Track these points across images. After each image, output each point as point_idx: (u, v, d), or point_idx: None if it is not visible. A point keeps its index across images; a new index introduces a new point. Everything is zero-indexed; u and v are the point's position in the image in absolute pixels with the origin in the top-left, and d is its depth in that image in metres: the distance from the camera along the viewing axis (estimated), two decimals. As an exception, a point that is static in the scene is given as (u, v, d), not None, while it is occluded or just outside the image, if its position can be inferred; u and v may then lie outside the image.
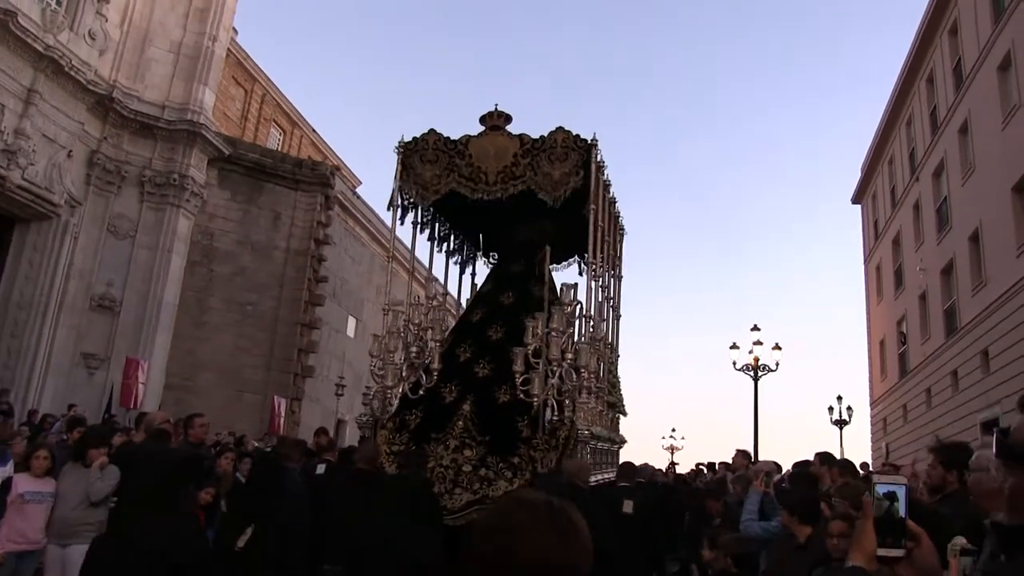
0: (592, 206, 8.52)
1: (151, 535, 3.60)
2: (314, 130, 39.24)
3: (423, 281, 10.68)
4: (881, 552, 1.75)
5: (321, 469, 8.04)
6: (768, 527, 5.86)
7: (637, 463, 10.14)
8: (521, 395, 7.61)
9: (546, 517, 1.46)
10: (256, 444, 14.12)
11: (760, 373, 21.41)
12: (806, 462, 7.41)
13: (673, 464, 25.22)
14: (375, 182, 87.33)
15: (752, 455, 11.23)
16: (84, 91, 19.44)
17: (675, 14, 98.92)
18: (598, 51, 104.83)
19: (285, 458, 8.59)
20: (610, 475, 9.22)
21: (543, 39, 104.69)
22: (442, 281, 10.99)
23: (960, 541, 2.11)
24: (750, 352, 21.64)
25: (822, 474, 6.76)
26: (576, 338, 8.23)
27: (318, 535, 6.34)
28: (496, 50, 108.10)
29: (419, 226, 9.94)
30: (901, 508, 1.78)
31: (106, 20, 20.35)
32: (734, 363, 21.80)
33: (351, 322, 28.58)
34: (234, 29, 31.53)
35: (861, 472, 7.93)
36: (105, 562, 3.61)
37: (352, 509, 6.47)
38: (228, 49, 30.27)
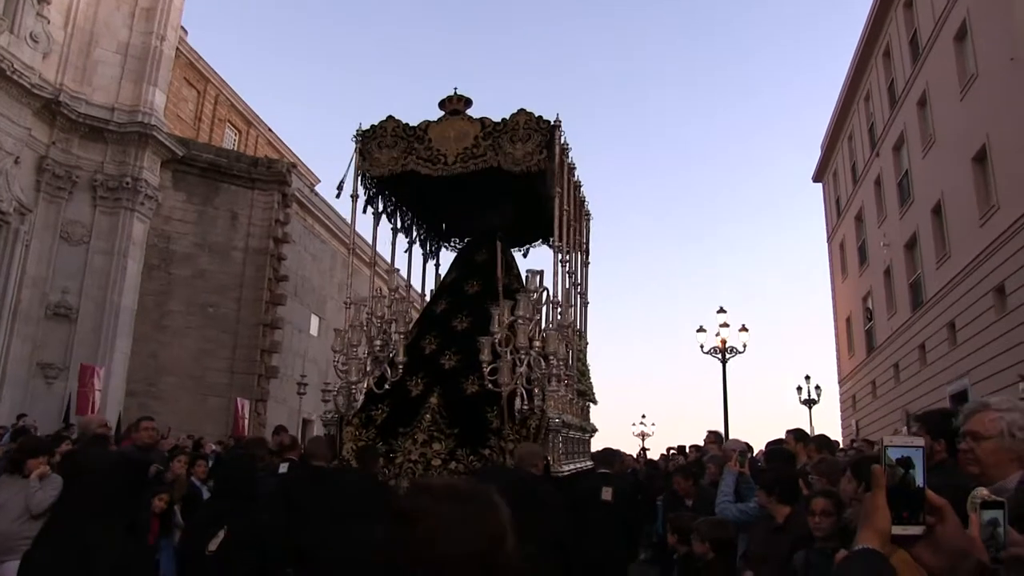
0: (557, 188, 8.29)
1: (82, 546, 3.31)
2: (270, 129, 38.69)
3: (385, 273, 10.38)
4: (897, 530, 1.50)
5: (284, 468, 7.77)
6: (745, 509, 5.67)
7: (616, 450, 9.96)
8: (489, 385, 7.40)
9: (448, 503, 1.40)
10: (215, 447, 13.75)
11: (728, 355, 21.34)
12: (780, 440, 7.22)
13: (644, 450, 25.20)
14: (334, 179, 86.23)
15: (723, 437, 11.04)
16: (29, 95, 18.92)
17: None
18: (561, 40, 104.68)
19: (258, 459, 8.34)
20: (584, 463, 9.05)
21: (503, 29, 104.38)
22: (405, 273, 10.69)
23: (982, 492, 1.83)
24: (717, 335, 21.57)
25: (797, 451, 6.58)
26: (543, 325, 8.04)
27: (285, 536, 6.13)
28: (457, 41, 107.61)
29: (379, 215, 9.69)
30: (919, 476, 1.52)
31: (48, 22, 19.83)
32: (701, 346, 21.75)
33: (314, 320, 28.19)
34: (183, 29, 30.96)
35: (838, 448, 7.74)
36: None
37: (310, 508, 6.26)
38: (178, 50, 29.70)
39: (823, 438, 6.92)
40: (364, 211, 9.38)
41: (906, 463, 1.54)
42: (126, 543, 3.50)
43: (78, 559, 3.34)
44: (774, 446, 7.00)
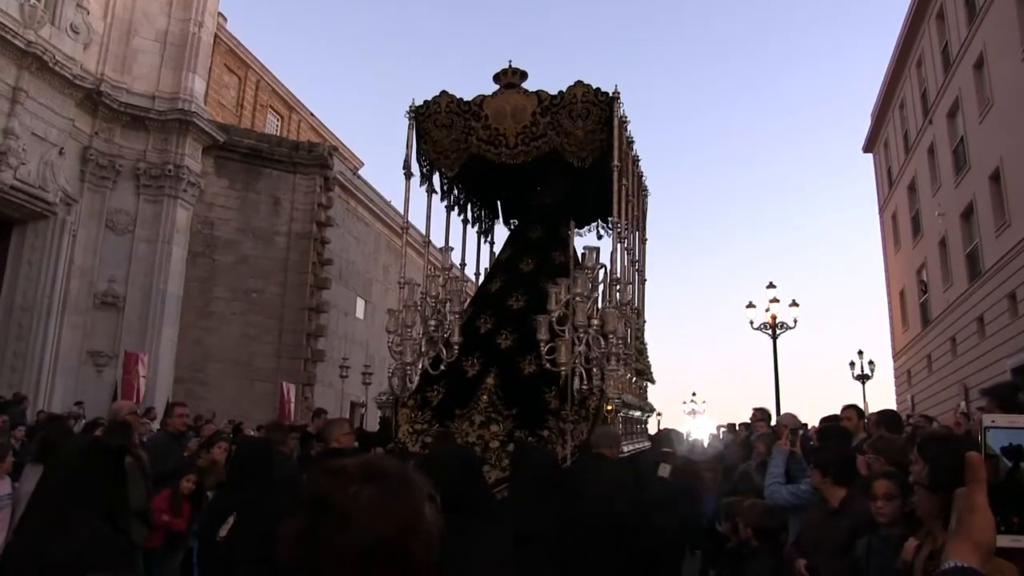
0: (616, 163, 8.01)
1: (46, 533, 3.15)
2: (312, 114, 38.70)
3: (438, 252, 10.16)
4: (1005, 541, 1.18)
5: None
6: (797, 491, 5.20)
7: (674, 429, 9.68)
8: (547, 365, 7.21)
9: (360, 483, 1.26)
10: (253, 433, 13.71)
11: (778, 331, 20.89)
12: (834, 417, 6.81)
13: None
14: (378, 163, 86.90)
15: (770, 414, 10.61)
16: (71, 86, 19.02)
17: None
18: (611, 14, 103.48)
19: (277, 443, 8.20)
20: (643, 444, 8.86)
21: (550, 8, 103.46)
22: (459, 251, 10.43)
23: None
24: (767, 310, 21.13)
25: (855, 428, 6.19)
26: (601, 303, 7.86)
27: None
28: (504, 22, 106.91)
29: (435, 194, 9.46)
30: None
31: (88, 13, 19.90)
32: (751, 322, 21.33)
33: (360, 303, 28.13)
34: (223, 16, 31.08)
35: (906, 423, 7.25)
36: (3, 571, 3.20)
37: None
38: (219, 37, 29.80)
39: (889, 413, 6.34)
40: (428, 193, 9.26)
41: (1017, 452, 1.19)
42: (98, 530, 3.29)
43: (42, 546, 3.16)
44: (828, 423, 6.55)
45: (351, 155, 38.33)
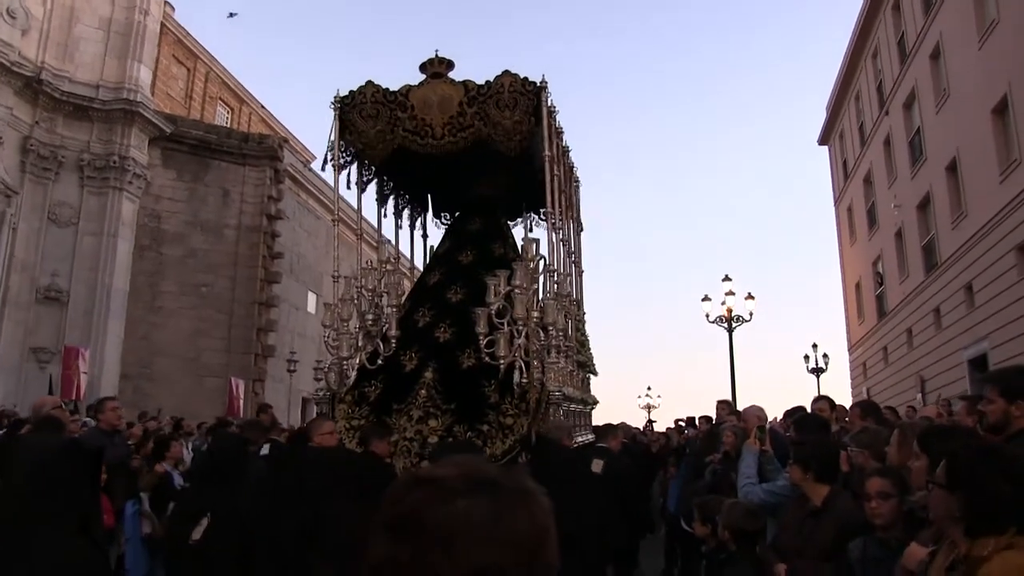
0: (546, 153, 7.79)
1: (23, 546, 2.75)
2: (263, 106, 37.99)
3: (374, 245, 9.95)
4: None
5: (266, 449, 7.34)
6: (774, 488, 4.88)
7: (614, 424, 9.55)
8: (486, 358, 7.05)
9: (467, 497, 1.03)
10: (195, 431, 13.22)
11: (734, 324, 20.85)
12: (799, 408, 6.56)
13: (651, 422, 24.74)
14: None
15: (732, 406, 10.43)
16: (8, 73, 18.30)
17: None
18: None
19: (250, 442, 7.85)
20: (586, 437, 8.79)
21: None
22: (395, 244, 10.21)
23: None
24: (723, 303, 21.08)
25: (829, 420, 5.91)
26: (541, 295, 7.72)
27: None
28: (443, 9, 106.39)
29: (362, 186, 9.25)
30: None
31: (26, -2, 19.14)
32: (707, 315, 21.28)
33: (311, 298, 27.61)
34: (170, 5, 30.32)
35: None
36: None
37: (302, 489, 5.91)
38: (167, 27, 29.05)
39: (869, 403, 6.09)
40: (348, 187, 9.12)
41: None
42: (76, 541, 2.89)
43: (18, 560, 2.75)
44: (805, 413, 6.25)
45: (303, 148, 37.65)
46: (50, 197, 19.48)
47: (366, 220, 9.94)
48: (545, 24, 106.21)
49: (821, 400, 6.51)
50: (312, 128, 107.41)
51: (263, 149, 24.11)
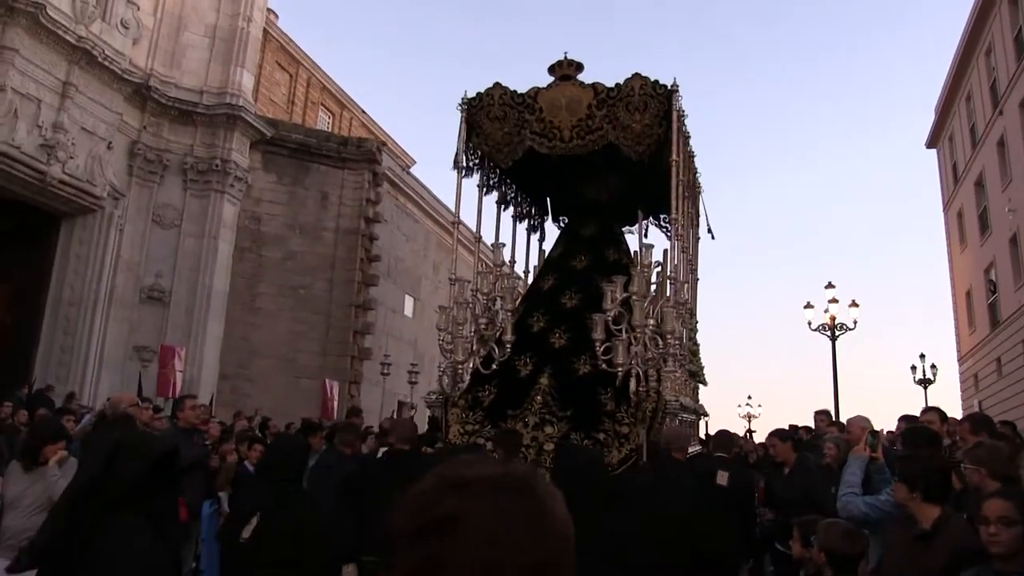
0: (674, 159, 7.70)
1: (99, 541, 2.73)
2: (364, 111, 38.56)
3: (487, 250, 9.89)
4: None
5: (382, 454, 7.31)
6: (876, 502, 4.44)
7: (732, 433, 9.18)
8: (603, 365, 7.02)
9: (495, 496, 1.05)
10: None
11: (837, 333, 20.16)
12: (912, 417, 6.12)
13: (750, 432, 24.08)
14: (430, 162, 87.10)
15: (832, 417, 9.99)
16: (120, 81, 19.01)
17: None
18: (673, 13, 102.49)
19: (342, 444, 7.86)
20: (695, 448, 8.54)
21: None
22: (510, 248, 10.17)
23: None
24: (826, 311, 20.44)
25: (940, 434, 5.46)
26: (659, 303, 7.55)
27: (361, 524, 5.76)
28: (557, 12, 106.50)
29: (484, 188, 9.22)
30: None
31: (138, 8, 19.92)
32: (809, 323, 20.70)
33: (408, 301, 27.83)
34: (274, 13, 31.10)
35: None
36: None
37: (383, 492, 5.84)
38: (270, 34, 29.83)
39: (981, 417, 5.61)
40: (466, 176, 8.98)
41: None
42: (143, 536, 2.85)
43: (95, 556, 2.73)
44: (913, 424, 5.80)
45: (402, 152, 38.13)
46: (155, 199, 20.16)
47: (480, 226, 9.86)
48: (655, 29, 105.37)
49: (930, 412, 6.06)
50: (412, 133, 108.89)
51: (362, 153, 24.42)
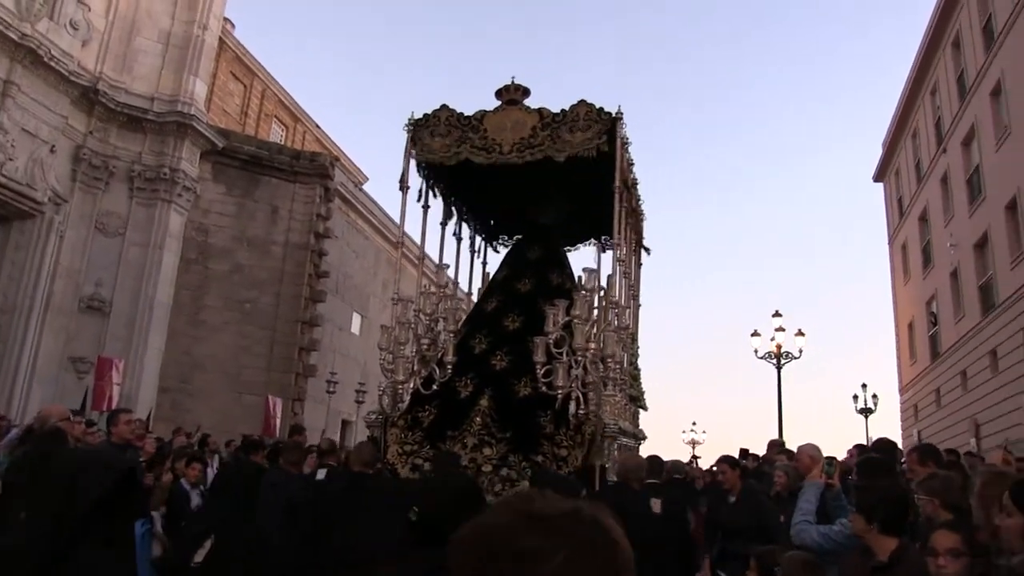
0: (617, 184, 7.86)
1: (50, 565, 2.55)
2: (318, 126, 38.25)
3: (433, 269, 9.91)
4: None
5: (322, 474, 7.11)
6: (829, 532, 4.38)
7: (662, 459, 9.20)
8: (543, 388, 7.08)
9: (572, 538, 1.05)
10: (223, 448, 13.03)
11: (783, 361, 20.46)
12: (863, 447, 6.14)
13: (695, 458, 24.20)
14: (382, 178, 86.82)
15: (783, 445, 10.08)
16: (67, 83, 18.51)
17: None
18: (618, 39, 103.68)
19: (291, 464, 7.68)
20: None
21: (560, 25, 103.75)
22: (453, 269, 10.25)
23: None
24: (772, 339, 20.74)
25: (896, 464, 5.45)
26: (598, 327, 7.64)
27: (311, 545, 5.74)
28: (511, 35, 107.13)
29: (427, 209, 9.25)
30: None
31: (89, 9, 19.44)
32: (756, 351, 20.99)
33: (356, 319, 27.52)
34: (231, 23, 30.76)
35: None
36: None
37: (345, 516, 5.88)
38: (226, 43, 29.45)
39: (929, 448, 5.60)
40: (419, 200, 9.11)
41: None
42: (102, 556, 2.68)
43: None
44: (870, 455, 5.77)
45: (355, 169, 37.87)
46: (99, 206, 19.58)
47: (426, 247, 9.87)
48: (597, 53, 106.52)
49: (883, 442, 6.06)
50: (366, 150, 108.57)
51: (314, 167, 24.14)
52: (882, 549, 3.66)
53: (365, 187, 32.15)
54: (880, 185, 34.40)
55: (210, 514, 5.06)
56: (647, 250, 10.94)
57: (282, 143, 31.99)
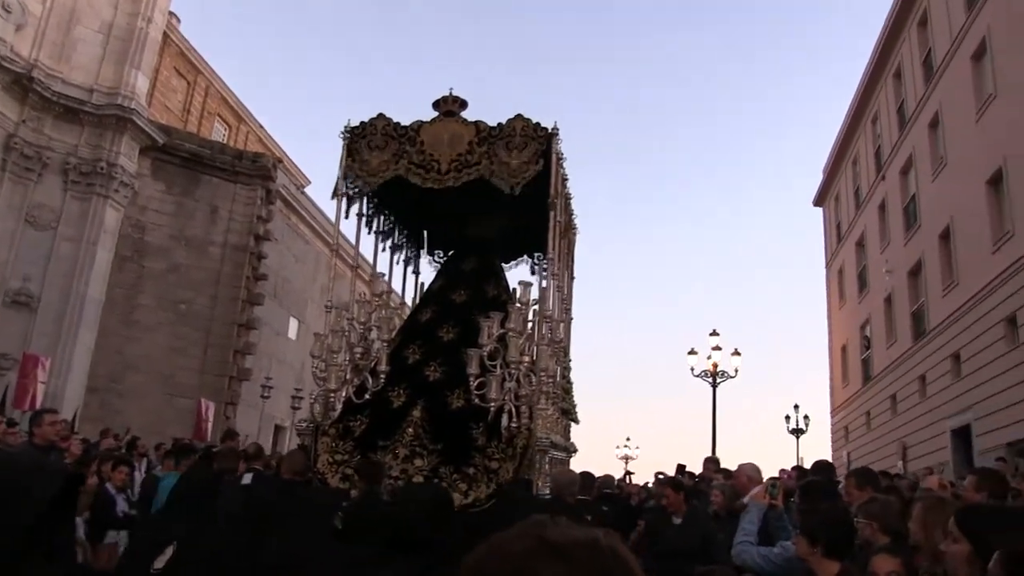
0: (552, 199, 7.84)
1: None
2: (261, 126, 37.72)
3: (368, 278, 9.82)
4: None
5: (248, 479, 6.99)
6: (769, 555, 4.36)
7: (592, 475, 9.19)
8: (476, 400, 6.98)
9: (591, 568, 1.04)
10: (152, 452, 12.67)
11: (718, 380, 20.67)
12: (802, 469, 6.15)
13: (629, 473, 24.30)
14: (326, 181, 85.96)
15: (719, 464, 10.13)
16: (-2, 68, 17.93)
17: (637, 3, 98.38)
18: (559, 37, 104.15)
19: (227, 471, 7.47)
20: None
21: (502, 24, 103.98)
22: (388, 278, 10.18)
23: None
24: (709, 358, 20.93)
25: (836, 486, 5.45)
26: (534, 340, 7.61)
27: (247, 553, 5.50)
28: (455, 36, 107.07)
29: (363, 218, 9.10)
30: None
31: (24, -7, 18.88)
32: (692, 369, 21.16)
33: (293, 324, 27.13)
34: (176, 17, 30.16)
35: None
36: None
37: (274, 523, 5.62)
38: (170, 38, 28.89)
39: (866, 472, 5.57)
40: (347, 216, 8.89)
41: None
42: (42, 570, 2.47)
43: None
44: (813, 478, 5.75)
45: (298, 172, 37.39)
46: (30, 198, 19.00)
47: (362, 254, 9.82)
48: (541, 80, 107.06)
49: (817, 464, 6.08)
50: (310, 154, 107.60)
51: (256, 168, 23.76)
52: (825, 572, 3.66)
53: (307, 190, 31.77)
54: (820, 210, 35.04)
55: (169, 523, 4.93)
56: (572, 275, 10.94)
57: (224, 142, 31.47)
